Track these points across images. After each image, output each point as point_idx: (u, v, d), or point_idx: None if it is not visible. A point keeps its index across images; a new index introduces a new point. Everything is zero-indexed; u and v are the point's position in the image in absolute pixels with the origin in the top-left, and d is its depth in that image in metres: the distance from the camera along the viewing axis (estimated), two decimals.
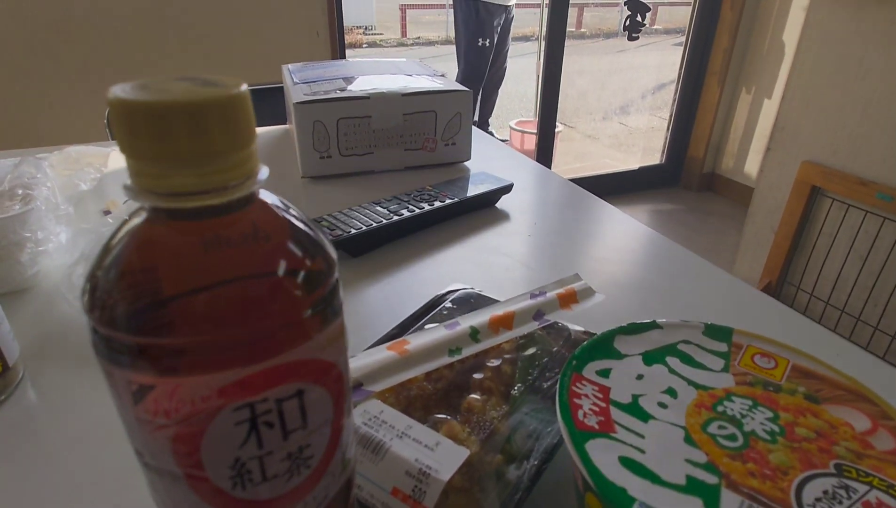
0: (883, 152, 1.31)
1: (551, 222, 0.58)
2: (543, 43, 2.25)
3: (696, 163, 2.68)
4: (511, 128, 3.06)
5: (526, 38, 7.67)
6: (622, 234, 0.57)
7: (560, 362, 0.33)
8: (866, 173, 1.35)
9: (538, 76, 2.29)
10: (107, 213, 0.55)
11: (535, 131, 2.47)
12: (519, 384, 0.30)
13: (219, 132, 0.12)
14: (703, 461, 0.21)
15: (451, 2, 2.82)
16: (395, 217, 0.52)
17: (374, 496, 0.24)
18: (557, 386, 0.25)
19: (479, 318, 0.33)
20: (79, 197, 0.51)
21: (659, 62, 5.48)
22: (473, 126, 0.75)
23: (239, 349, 0.13)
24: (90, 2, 1.43)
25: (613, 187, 2.70)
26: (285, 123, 0.87)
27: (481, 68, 2.86)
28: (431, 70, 0.79)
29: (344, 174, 0.68)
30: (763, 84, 2.38)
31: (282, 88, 0.80)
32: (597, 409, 0.24)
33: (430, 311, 0.37)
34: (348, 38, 7.20)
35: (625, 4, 2.25)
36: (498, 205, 0.61)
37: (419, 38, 7.83)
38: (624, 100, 4.58)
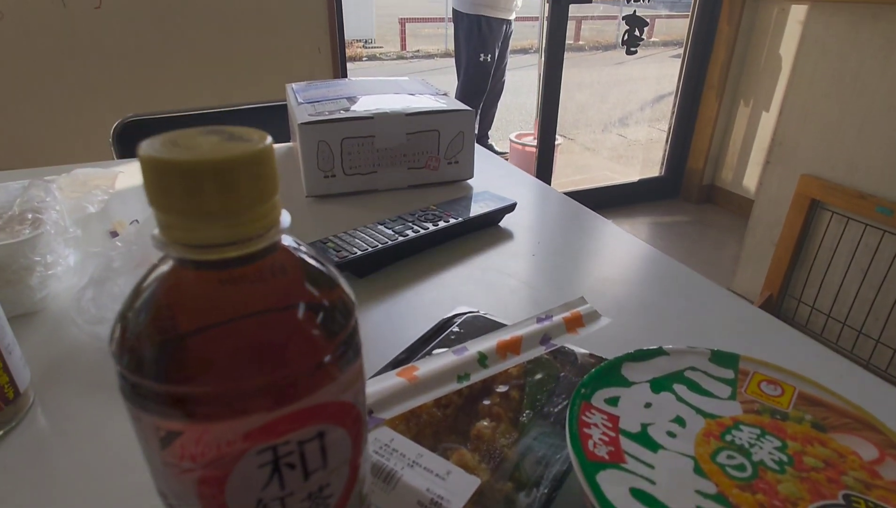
0: (881, 166, 1.32)
1: (555, 240, 0.59)
2: (543, 56, 2.27)
3: (695, 175, 2.69)
4: (511, 141, 3.07)
5: (525, 51, 7.74)
6: (625, 253, 0.57)
7: (567, 386, 0.33)
8: (865, 187, 1.36)
9: (539, 88, 2.31)
10: (114, 234, 0.56)
11: (535, 144, 2.48)
12: (528, 411, 0.30)
13: (246, 187, 0.13)
14: (713, 492, 0.22)
15: (451, 16, 2.85)
16: (400, 238, 0.52)
17: None
18: (567, 415, 0.25)
19: (486, 343, 0.33)
20: (86, 219, 0.52)
21: (657, 74, 5.52)
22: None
23: (264, 395, 0.14)
24: (95, 20, 1.44)
25: (614, 200, 2.71)
26: (289, 141, 0.88)
27: (482, 82, 2.88)
28: (434, 89, 0.80)
29: (348, 193, 0.69)
30: (761, 97, 2.40)
31: (285, 105, 0.81)
32: (607, 439, 0.24)
33: (437, 335, 0.38)
34: (348, 52, 7.25)
35: (623, 19, 2.27)
36: (501, 224, 0.62)
37: (418, 50, 7.89)
38: (623, 112, 4.61)
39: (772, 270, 1.61)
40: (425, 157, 0.70)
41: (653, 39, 6.86)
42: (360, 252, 0.49)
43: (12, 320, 0.42)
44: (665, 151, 2.77)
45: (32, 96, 1.46)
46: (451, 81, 3.07)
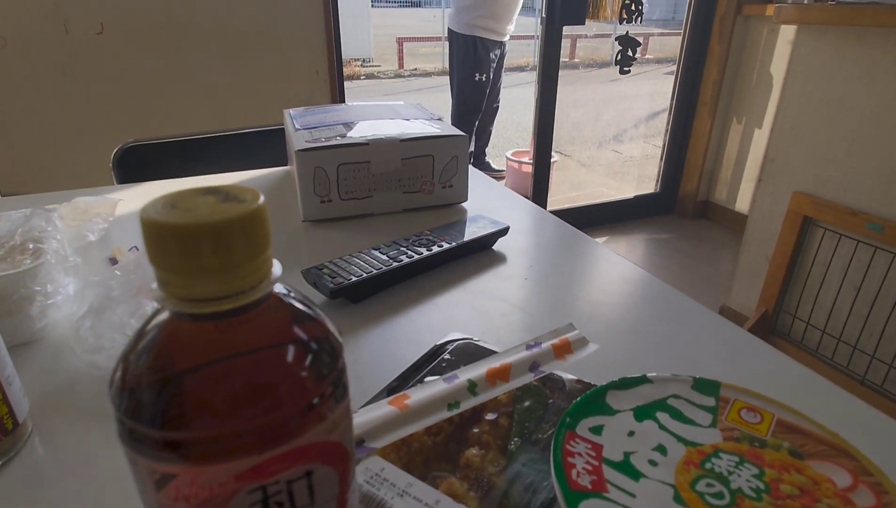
0: (871, 184, 1.34)
1: (547, 264, 0.60)
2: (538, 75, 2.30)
3: (690, 191, 2.72)
4: (507, 158, 3.10)
5: (521, 69, 7.85)
6: (616, 276, 0.58)
7: (555, 412, 0.34)
8: (856, 204, 1.38)
9: (536, 106, 2.34)
10: (113, 261, 0.56)
11: (532, 162, 2.51)
12: (516, 438, 0.31)
13: (240, 246, 0.14)
14: None
15: (447, 35, 2.90)
16: (395, 263, 0.53)
17: None
18: (552, 445, 0.26)
19: (476, 371, 0.34)
20: (86, 247, 0.53)
21: (651, 91, 5.59)
22: (470, 165, 0.77)
23: (256, 438, 0.15)
24: (97, 46, 1.47)
25: (610, 216, 2.74)
26: (286, 165, 0.89)
27: (478, 102, 2.92)
28: (428, 113, 0.82)
29: (344, 217, 0.70)
30: (753, 115, 2.43)
31: (283, 129, 0.83)
32: (590, 468, 0.25)
33: (429, 361, 0.39)
34: (346, 70, 7.34)
35: (616, 40, 2.31)
36: (494, 247, 0.63)
37: (416, 69, 7.99)
38: (618, 129, 4.66)
39: (766, 286, 1.62)
40: (420, 181, 0.72)
41: (647, 56, 6.96)
42: (355, 278, 0.50)
43: (11, 349, 0.43)
44: (660, 167, 2.80)
45: (35, 121, 1.48)
46: (447, 99, 3.11)
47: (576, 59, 6.96)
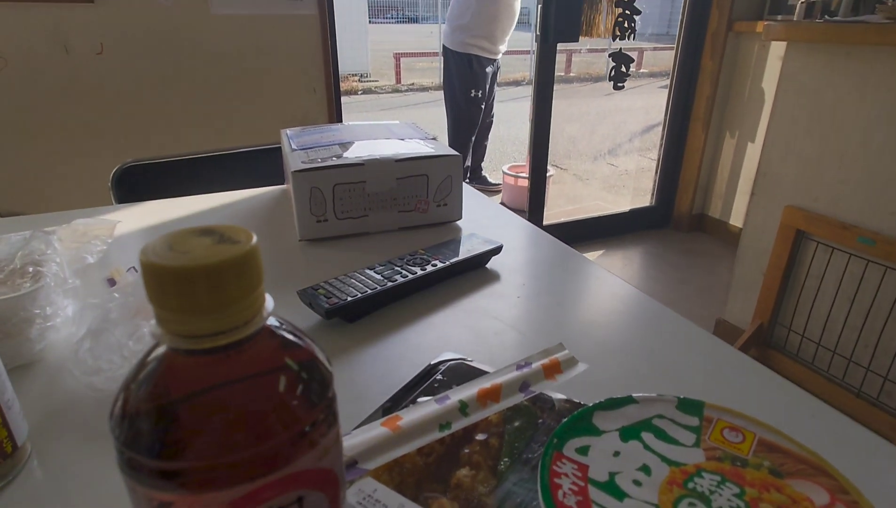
0: (861, 198, 1.36)
1: (540, 282, 0.61)
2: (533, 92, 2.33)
3: (685, 205, 2.74)
4: (504, 173, 3.13)
5: (517, 83, 7.93)
6: (608, 294, 0.59)
7: (545, 432, 0.34)
8: (847, 218, 1.39)
9: (531, 121, 2.37)
10: (111, 282, 0.57)
11: (528, 176, 2.53)
12: (506, 458, 0.32)
13: (234, 285, 0.15)
14: None
15: (442, 53, 2.94)
16: (389, 283, 0.54)
17: None
18: (539, 466, 0.27)
19: (467, 391, 0.35)
20: (85, 269, 0.53)
21: (646, 104, 5.65)
22: (465, 183, 0.78)
23: (249, 467, 0.15)
24: (97, 66, 1.49)
25: (606, 230, 2.75)
26: (283, 183, 0.90)
27: (474, 117, 2.96)
28: (423, 133, 0.83)
29: (340, 236, 0.71)
30: (746, 129, 2.46)
31: (280, 148, 0.84)
32: (576, 489, 0.26)
33: (422, 382, 0.39)
34: (344, 86, 7.42)
35: (609, 56, 2.34)
36: (488, 265, 0.64)
37: (413, 84, 8.07)
38: (613, 143, 4.70)
39: (761, 298, 1.63)
40: (415, 200, 0.73)
41: (641, 71, 7.04)
42: (350, 298, 0.51)
43: (10, 371, 0.43)
44: (655, 181, 2.82)
45: (35, 141, 1.50)
46: (444, 113, 3.15)
47: (571, 74, 7.04)
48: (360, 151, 0.72)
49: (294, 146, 0.76)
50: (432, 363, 0.42)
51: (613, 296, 0.59)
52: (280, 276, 0.61)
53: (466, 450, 0.32)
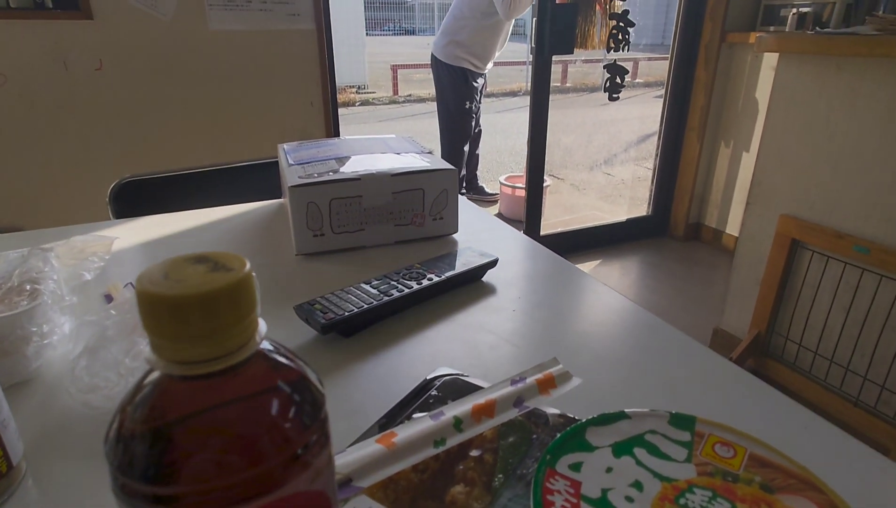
0: (856, 207, 1.37)
1: (535, 295, 0.61)
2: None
3: (681, 214, 2.76)
4: (501, 183, 3.14)
5: (513, 94, 7.98)
6: (602, 307, 0.59)
7: (539, 447, 0.34)
8: (842, 226, 1.40)
9: (529, 132, 2.38)
10: (108, 298, 0.57)
11: (525, 187, 2.54)
12: (500, 475, 0.32)
13: (227, 312, 0.15)
14: None
15: (431, 64, 2.97)
16: (385, 298, 0.54)
17: None
18: (532, 482, 0.27)
19: (462, 407, 0.35)
20: (82, 286, 0.54)
21: (641, 114, 5.70)
22: (462, 194, 0.78)
23: (242, 490, 0.16)
24: (96, 82, 1.50)
25: (603, 239, 2.76)
26: (281, 197, 0.91)
27: (468, 128, 3.00)
28: (419, 147, 0.84)
29: (337, 250, 0.71)
30: (740, 139, 2.48)
31: (277, 161, 0.85)
32: (568, 505, 0.26)
33: (417, 398, 0.39)
34: (342, 97, 7.46)
35: (604, 68, 2.37)
36: (484, 279, 0.64)
37: (410, 95, 8.12)
38: (609, 153, 4.73)
39: (758, 308, 1.63)
40: (411, 214, 0.73)
41: (636, 80, 7.10)
42: (346, 313, 0.51)
43: (6, 389, 0.43)
44: (651, 190, 2.84)
45: (34, 155, 1.50)
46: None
47: (567, 84, 7.10)
48: (356, 165, 0.73)
49: (291, 161, 0.76)
50: (428, 378, 0.42)
51: (608, 308, 0.59)
52: (277, 290, 0.61)
53: (461, 466, 0.32)
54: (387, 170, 0.71)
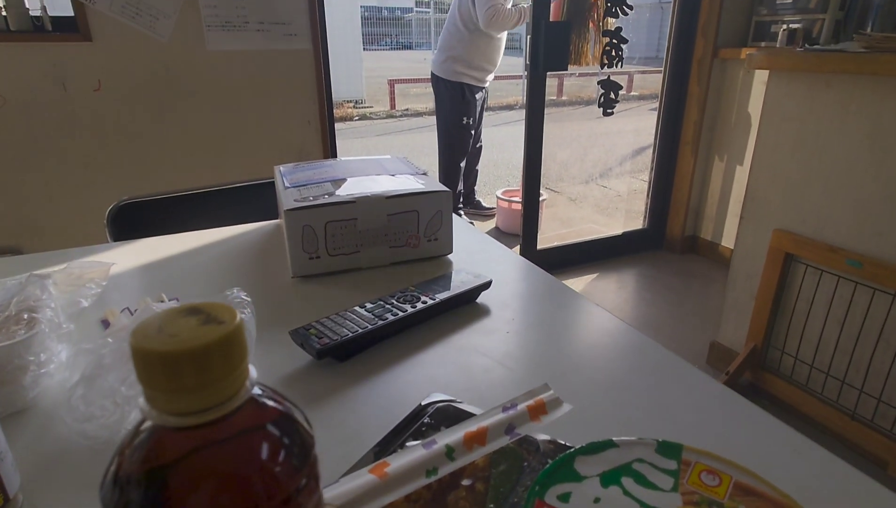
0: (848, 221, 1.38)
1: (528, 316, 0.62)
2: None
3: (677, 227, 2.77)
4: (498, 197, 3.16)
5: (510, 108, 8.05)
6: (595, 328, 0.60)
7: (530, 475, 0.35)
8: (835, 240, 1.41)
9: (525, 147, 2.40)
10: (105, 323, 0.58)
11: (521, 201, 2.56)
12: (491, 505, 0.32)
13: (219, 365, 0.16)
14: None
15: (431, 81, 3.00)
16: (380, 321, 0.55)
17: None
18: None
19: (454, 435, 0.36)
20: (79, 313, 0.54)
21: (636, 127, 5.76)
22: (459, 209, 0.79)
23: None
24: (94, 103, 1.51)
25: (600, 253, 2.77)
26: (277, 218, 0.92)
27: (466, 143, 3.01)
28: (414, 168, 0.85)
29: (332, 272, 0.72)
30: (734, 153, 2.51)
31: (273, 182, 0.86)
32: None
33: (410, 425, 0.40)
34: (339, 112, 7.51)
35: (598, 84, 2.40)
36: (478, 300, 0.65)
37: (407, 109, 8.18)
38: (604, 166, 4.76)
39: (754, 321, 1.64)
40: (406, 235, 0.74)
41: (631, 93, 7.17)
42: (341, 338, 0.52)
43: (2, 419, 0.44)
44: (646, 203, 2.85)
45: (33, 176, 1.51)
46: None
47: (563, 98, 7.17)
48: (351, 188, 0.74)
49: (287, 184, 0.77)
50: (422, 403, 0.43)
51: (601, 329, 0.60)
52: (273, 314, 0.61)
53: (452, 496, 0.33)
54: (381, 192, 0.72)
